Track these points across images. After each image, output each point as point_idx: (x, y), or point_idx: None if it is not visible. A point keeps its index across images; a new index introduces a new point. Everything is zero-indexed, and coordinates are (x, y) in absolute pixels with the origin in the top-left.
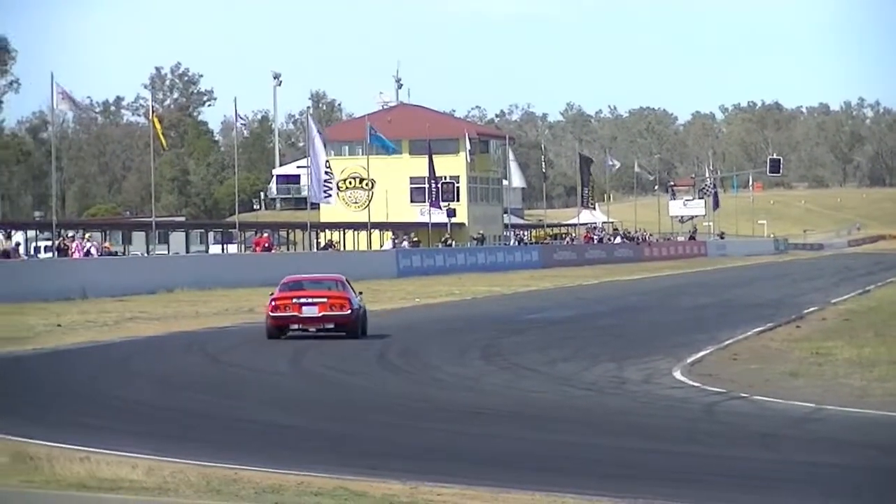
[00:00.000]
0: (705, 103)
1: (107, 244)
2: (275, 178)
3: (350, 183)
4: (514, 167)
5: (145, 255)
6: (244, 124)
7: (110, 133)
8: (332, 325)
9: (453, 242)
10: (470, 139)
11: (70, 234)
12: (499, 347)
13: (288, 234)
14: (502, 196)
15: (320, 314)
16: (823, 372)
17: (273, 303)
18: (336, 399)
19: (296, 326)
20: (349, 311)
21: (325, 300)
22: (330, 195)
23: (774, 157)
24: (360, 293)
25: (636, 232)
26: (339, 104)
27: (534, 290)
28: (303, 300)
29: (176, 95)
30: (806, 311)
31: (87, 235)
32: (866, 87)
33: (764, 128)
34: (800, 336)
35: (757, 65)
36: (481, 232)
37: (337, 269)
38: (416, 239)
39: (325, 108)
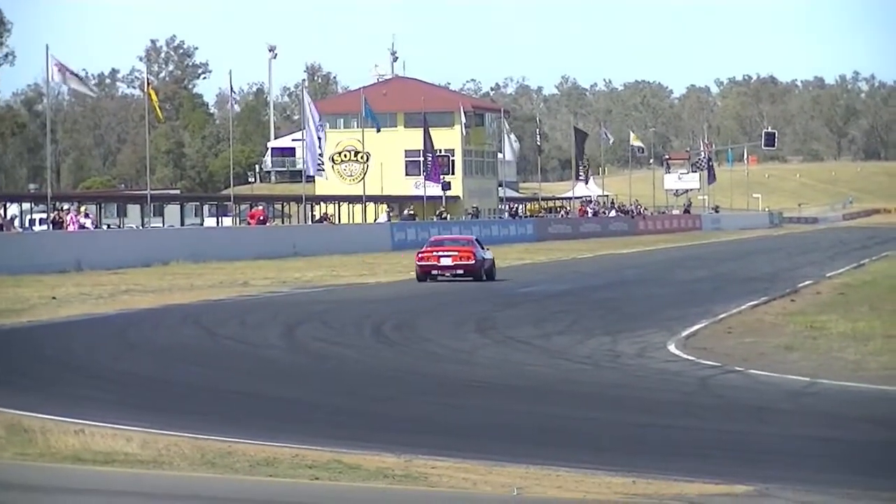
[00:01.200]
0: (700, 77)
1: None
2: (270, 150)
3: (345, 156)
4: (510, 140)
5: (140, 227)
6: (236, 100)
7: (105, 105)
8: (461, 272)
9: (448, 216)
10: (465, 112)
11: (65, 206)
12: (493, 321)
13: (283, 206)
14: (497, 169)
15: (453, 263)
16: (818, 346)
17: (420, 255)
18: (330, 372)
19: (435, 272)
20: (473, 262)
21: (456, 253)
22: (323, 168)
23: (769, 130)
24: (488, 249)
25: (631, 205)
26: (335, 77)
27: (528, 263)
28: (440, 253)
29: (171, 68)
30: (801, 284)
31: (82, 208)
32: (862, 61)
33: (759, 101)
34: (794, 310)
35: (752, 38)
36: (475, 206)
37: (332, 243)
38: (412, 212)
39: (320, 80)
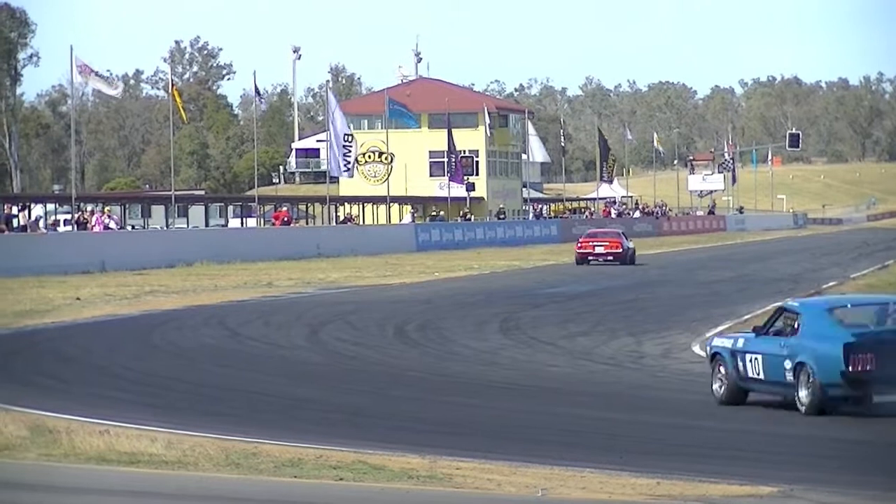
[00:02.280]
0: (724, 78)
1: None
2: (294, 151)
3: (369, 157)
4: (534, 141)
5: (164, 228)
6: (262, 100)
7: (130, 106)
8: (611, 257)
9: (472, 217)
10: (489, 113)
11: (89, 207)
12: (517, 321)
13: (307, 207)
14: (521, 170)
15: (605, 251)
16: None
17: (579, 244)
18: (354, 373)
19: (591, 258)
20: (621, 250)
21: (607, 243)
22: (350, 169)
23: (793, 131)
24: (630, 239)
25: (655, 206)
26: (359, 78)
27: (552, 264)
28: (595, 243)
29: (195, 69)
30: (825, 285)
31: (106, 209)
32: (886, 62)
33: (783, 102)
34: None
35: (776, 39)
36: (502, 206)
37: (356, 244)
38: (440, 213)
39: (344, 81)
